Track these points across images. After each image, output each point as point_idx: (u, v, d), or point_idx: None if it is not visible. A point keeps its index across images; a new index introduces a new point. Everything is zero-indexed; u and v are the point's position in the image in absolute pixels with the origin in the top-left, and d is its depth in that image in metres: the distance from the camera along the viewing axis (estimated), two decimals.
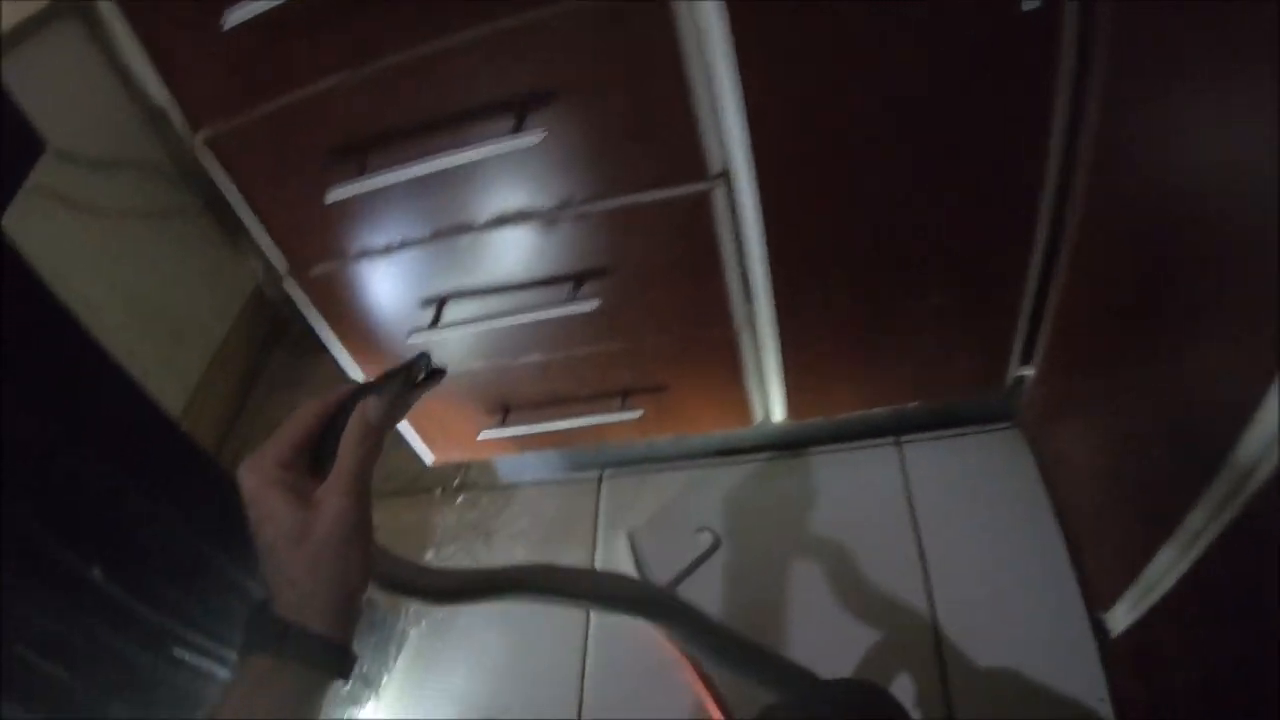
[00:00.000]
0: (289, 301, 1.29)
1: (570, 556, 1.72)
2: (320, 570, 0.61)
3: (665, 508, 1.74)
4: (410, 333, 1.28)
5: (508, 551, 1.81)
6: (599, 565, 1.68)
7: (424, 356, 0.75)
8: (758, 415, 1.45)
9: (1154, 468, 0.97)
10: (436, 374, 0.76)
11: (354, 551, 0.63)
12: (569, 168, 1.10)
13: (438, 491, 1.98)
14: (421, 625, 1.77)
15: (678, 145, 1.05)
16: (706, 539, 1.65)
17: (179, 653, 1.20)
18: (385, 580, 0.80)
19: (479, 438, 1.50)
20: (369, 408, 0.67)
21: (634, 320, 1.29)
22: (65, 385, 1.10)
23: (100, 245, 2.00)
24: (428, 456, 1.69)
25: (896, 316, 1.24)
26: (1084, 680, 1.23)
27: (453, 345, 1.35)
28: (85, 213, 1.99)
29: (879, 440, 1.64)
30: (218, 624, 1.27)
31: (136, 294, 2.08)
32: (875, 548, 1.50)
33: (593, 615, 1.59)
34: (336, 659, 0.62)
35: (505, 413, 1.50)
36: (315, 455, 0.66)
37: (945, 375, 1.36)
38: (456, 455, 1.68)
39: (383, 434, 0.67)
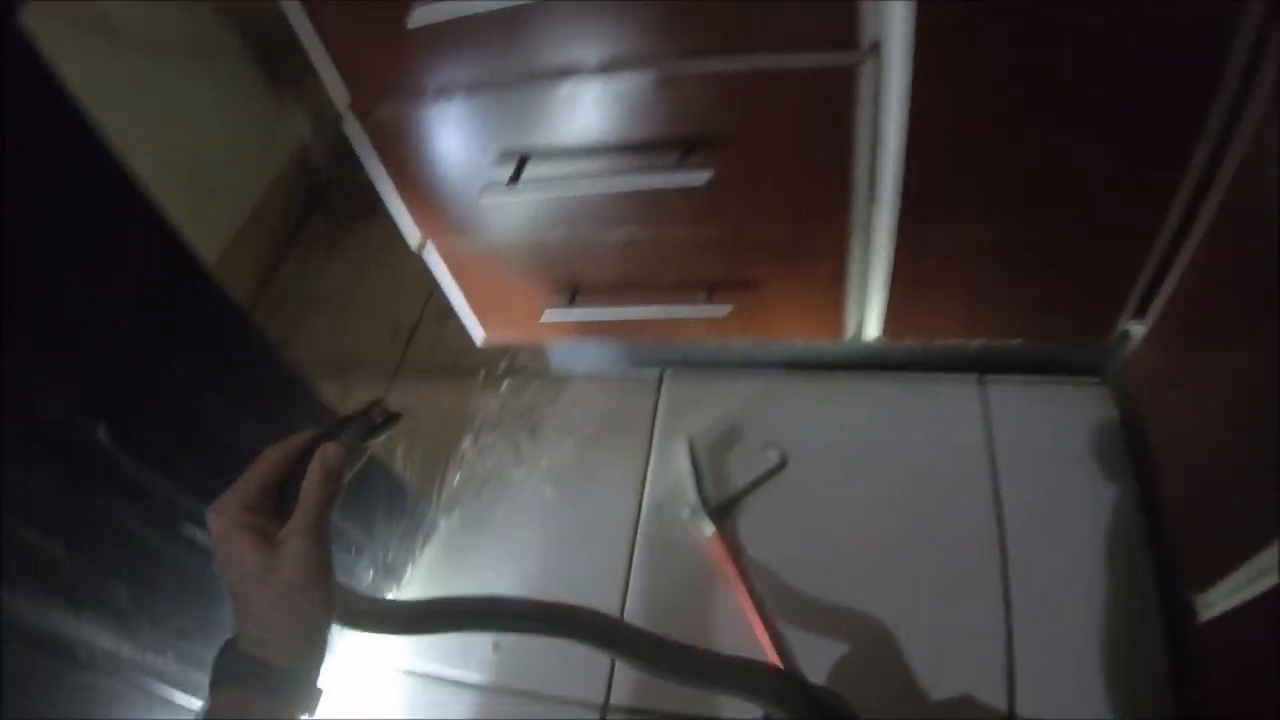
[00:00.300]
0: (333, 163, 1.12)
1: (624, 457, 1.62)
2: (283, 608, 0.66)
3: (729, 417, 1.62)
4: (483, 190, 1.13)
5: (555, 446, 1.69)
6: (652, 469, 1.60)
7: (379, 404, 0.81)
8: (849, 329, 1.32)
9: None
10: (392, 419, 0.82)
11: (316, 590, 0.68)
12: (701, 11, 0.94)
13: (481, 375, 1.84)
14: (454, 515, 1.66)
15: (831, 3, 0.90)
16: (773, 456, 1.53)
17: (191, 532, 1.09)
18: (349, 616, 0.84)
19: (542, 318, 1.36)
20: (328, 454, 0.73)
21: (741, 203, 1.15)
22: (76, 202, 0.95)
23: (136, 79, 1.85)
24: (478, 335, 1.55)
25: (1021, 246, 1.13)
26: (1145, 657, 1.21)
27: (527, 210, 1.23)
28: (124, 42, 1.84)
29: (962, 376, 1.54)
30: None
31: (171, 139, 1.93)
32: (949, 487, 1.41)
33: (642, 520, 1.55)
34: (300, 692, 0.67)
35: (574, 293, 1.36)
36: (279, 498, 0.71)
37: (1054, 316, 1.26)
38: (511, 336, 1.56)
39: (342, 478, 0.73)
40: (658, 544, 1.49)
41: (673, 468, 1.57)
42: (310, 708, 0.69)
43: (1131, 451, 1.36)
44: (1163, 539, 1.25)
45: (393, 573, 1.53)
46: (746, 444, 1.57)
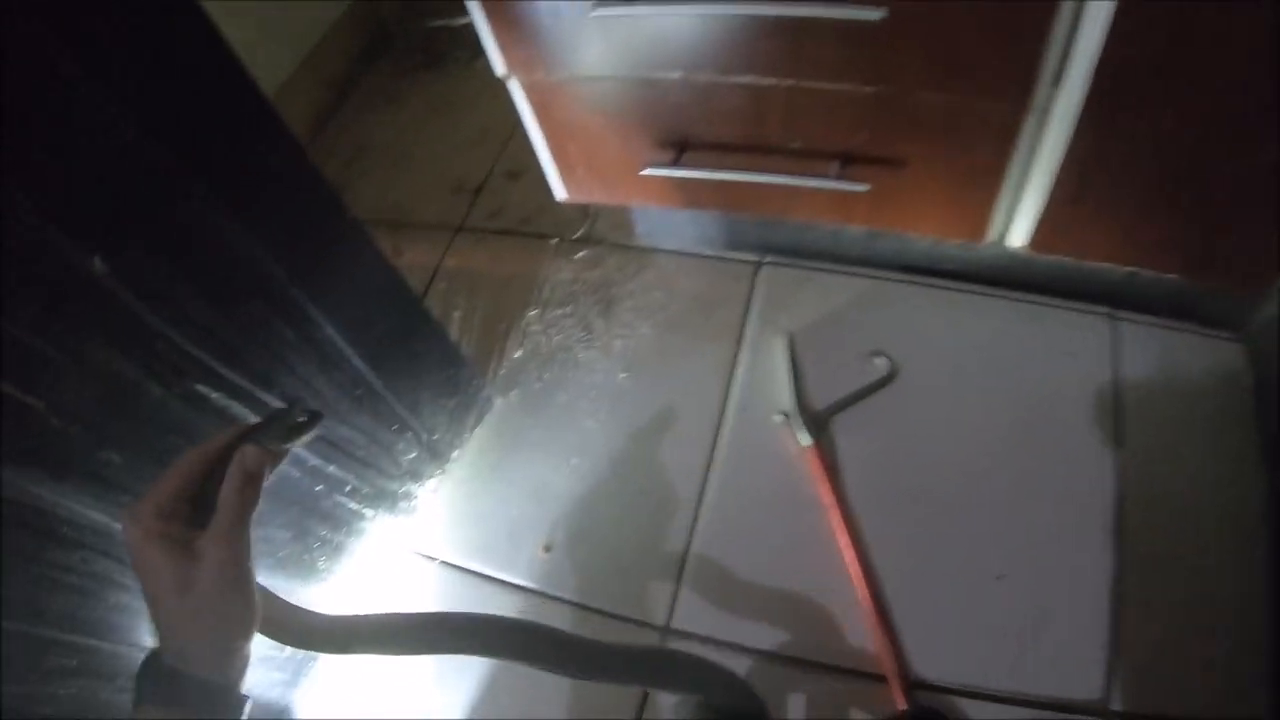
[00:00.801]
0: (402, 6, 0.91)
1: (711, 346, 1.46)
2: (204, 620, 0.63)
3: (833, 318, 1.45)
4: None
5: (631, 327, 1.52)
6: (743, 364, 1.44)
7: (299, 401, 0.79)
8: (993, 232, 1.17)
9: None
10: (314, 418, 0.77)
11: (237, 600, 0.64)
12: None
13: (554, 241, 1.65)
14: (511, 395, 1.49)
15: None
16: (881, 366, 1.38)
17: (203, 390, 0.92)
18: (271, 626, 0.74)
19: (641, 173, 1.19)
20: (246, 457, 0.67)
21: (908, 59, 0.97)
22: None
23: None
24: (560, 191, 1.36)
25: (1208, 172, 0.99)
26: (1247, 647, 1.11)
27: (643, 38, 1.05)
28: None
29: (1093, 308, 1.40)
30: (262, 360, 0.99)
31: None
32: (1067, 423, 1.30)
33: (726, 420, 1.40)
34: (223, 704, 0.63)
35: (681, 150, 1.18)
36: (197, 504, 0.65)
37: (1218, 258, 1.13)
38: (596, 195, 1.36)
39: (260, 483, 0.68)
40: (742, 448, 1.34)
41: (766, 366, 1.41)
42: (239, 715, 0.65)
43: (1263, 416, 1.26)
44: None
45: (438, 455, 1.37)
46: (850, 350, 1.40)
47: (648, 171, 1.20)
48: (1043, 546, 1.19)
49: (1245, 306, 1.31)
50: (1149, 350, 1.35)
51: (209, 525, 0.65)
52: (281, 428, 0.75)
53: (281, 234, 0.97)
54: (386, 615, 0.83)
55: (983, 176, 1.10)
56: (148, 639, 0.95)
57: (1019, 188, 1.10)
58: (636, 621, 1.23)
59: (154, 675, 0.63)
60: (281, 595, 0.73)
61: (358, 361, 1.11)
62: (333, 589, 1.25)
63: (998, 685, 1.08)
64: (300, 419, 0.77)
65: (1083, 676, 1.10)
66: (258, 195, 0.95)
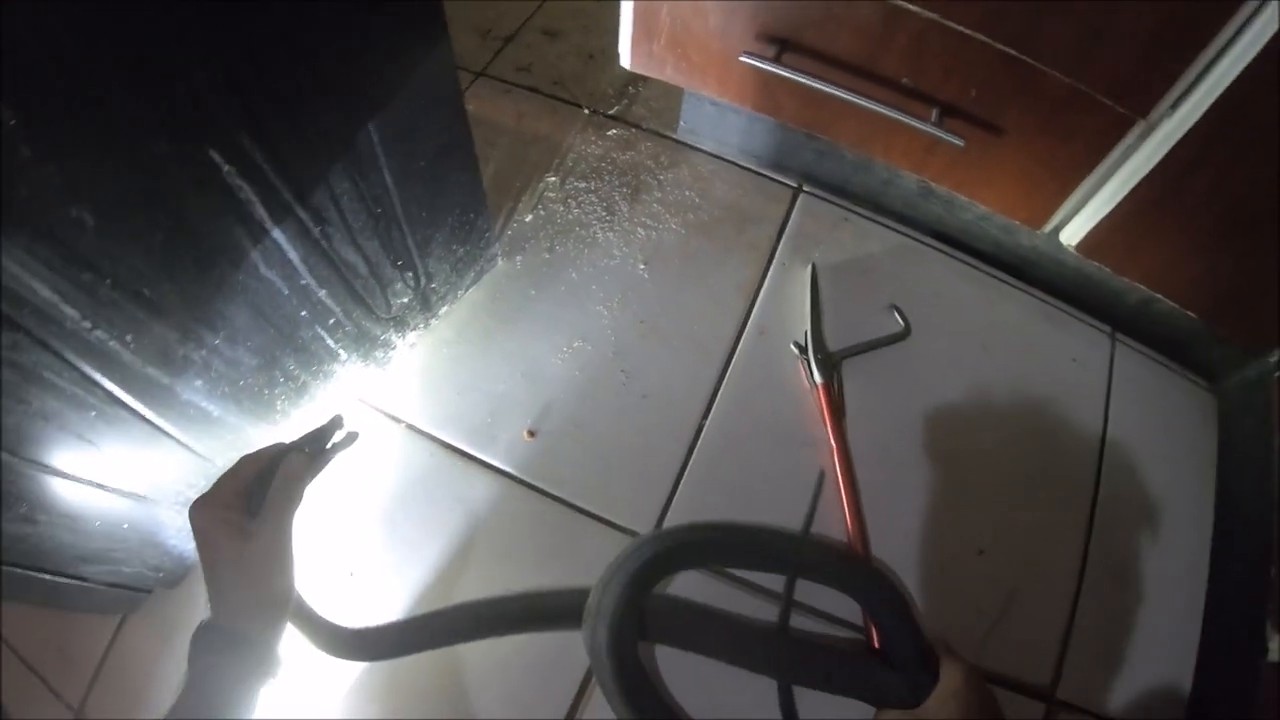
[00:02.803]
0: None
1: (738, 259, 1.41)
2: (253, 589, 0.81)
3: (860, 263, 1.42)
4: None
5: (658, 219, 1.44)
6: (767, 286, 1.39)
7: (338, 419, 0.98)
8: (1050, 224, 1.17)
9: None
10: (350, 438, 0.99)
11: (279, 574, 0.83)
12: None
13: (586, 111, 1.52)
14: (516, 260, 1.41)
15: None
16: (898, 322, 1.36)
17: (216, 157, 0.79)
18: (303, 623, 0.99)
19: (738, 58, 1.11)
20: (292, 464, 0.88)
21: (1058, 35, 0.94)
22: None
23: None
24: (626, 57, 1.27)
25: (1271, 227, 1.00)
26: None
27: None
28: None
29: (1099, 324, 1.44)
30: (290, 142, 0.86)
31: None
32: (1058, 423, 1.32)
33: (744, 337, 1.34)
34: (265, 657, 0.80)
35: (782, 48, 1.12)
36: (251, 499, 0.85)
37: (1246, 309, 1.15)
38: (667, 71, 1.27)
39: (301, 484, 0.88)
40: (754, 371, 1.30)
41: (790, 294, 1.37)
42: (273, 672, 0.80)
43: (1221, 467, 1.34)
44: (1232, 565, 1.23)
45: (428, 306, 1.28)
46: (871, 299, 1.38)
47: (744, 59, 1.12)
48: (1022, 530, 1.21)
49: (1229, 363, 1.37)
50: (1138, 376, 1.40)
51: (259, 515, 0.84)
52: (322, 441, 0.96)
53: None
54: (407, 621, 1.05)
55: (1067, 168, 1.08)
56: (61, 463, 0.89)
57: (1093, 189, 1.09)
58: (619, 528, 1.18)
59: (210, 633, 0.79)
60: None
61: (387, 174, 1.00)
62: (282, 433, 1.15)
63: (960, 653, 1.06)
64: (338, 436, 0.98)
65: (1037, 661, 1.13)
66: None
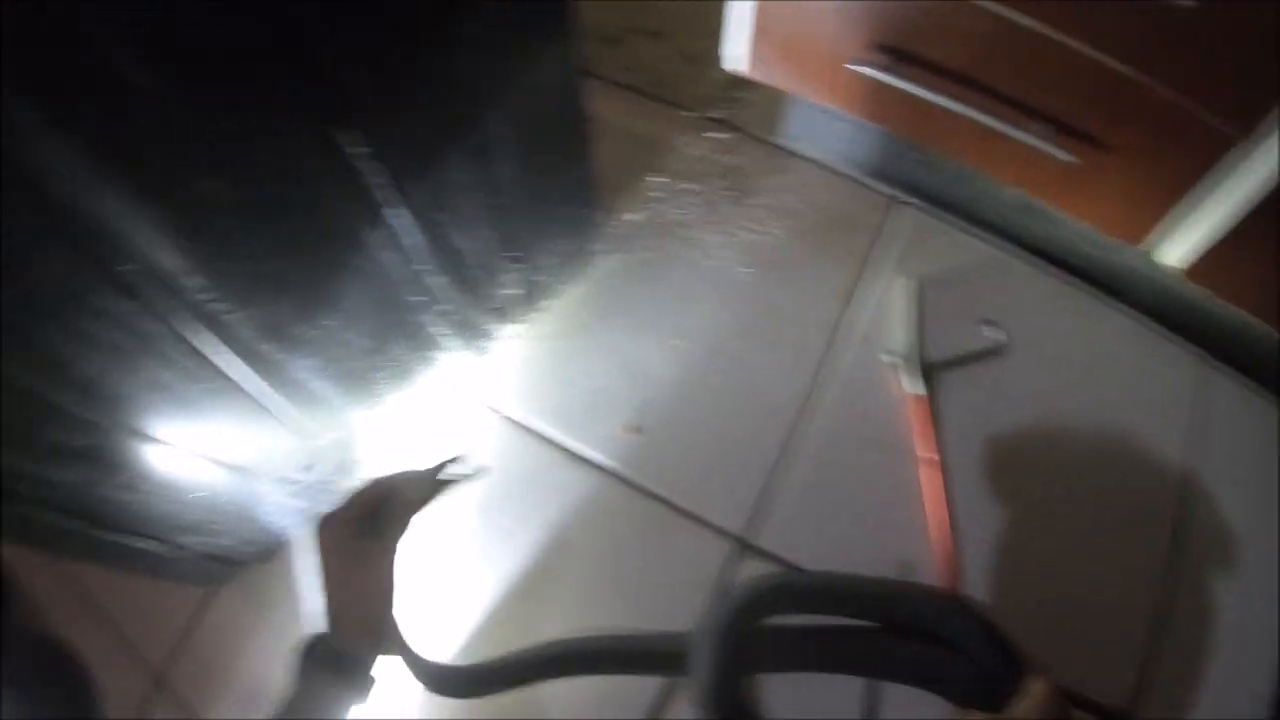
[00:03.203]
0: None
1: (836, 265, 1.39)
2: (365, 611, 0.83)
3: (958, 275, 1.39)
4: None
5: (760, 224, 1.42)
6: (860, 291, 1.37)
7: (460, 457, 0.99)
8: (1149, 242, 1.13)
9: None
10: (479, 471, 1.00)
11: (384, 601, 0.85)
12: None
13: (690, 113, 1.55)
14: (619, 259, 1.40)
15: None
16: (994, 336, 1.33)
17: (343, 138, 0.78)
18: (398, 645, 0.94)
19: (846, 66, 1.11)
20: (408, 491, 0.90)
21: (1179, 55, 0.91)
22: None
23: None
24: (733, 60, 1.26)
25: None
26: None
27: None
28: None
29: (1194, 348, 1.37)
30: (425, 123, 0.86)
31: None
32: (1145, 443, 1.27)
33: (839, 343, 1.32)
34: (362, 678, 0.82)
35: (891, 57, 1.11)
36: (371, 522, 0.86)
37: None
38: (775, 75, 1.26)
39: (412, 515, 0.89)
40: (850, 378, 1.29)
41: (886, 303, 1.35)
42: (367, 691, 0.82)
43: None
44: None
45: (533, 299, 1.28)
46: (967, 312, 1.35)
47: (854, 66, 1.11)
48: (1107, 551, 1.18)
49: None
50: (1230, 401, 1.34)
51: (377, 542, 0.85)
52: (440, 475, 0.96)
53: None
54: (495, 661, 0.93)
55: (1170, 186, 1.05)
56: (168, 433, 0.89)
57: (1196, 209, 1.05)
58: (712, 526, 1.17)
59: (319, 650, 0.80)
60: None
61: (507, 164, 1.00)
62: (381, 416, 1.17)
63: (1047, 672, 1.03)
64: (457, 471, 0.98)
65: (1114, 686, 1.11)
66: None
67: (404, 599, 0.89)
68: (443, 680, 0.98)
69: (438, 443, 1.22)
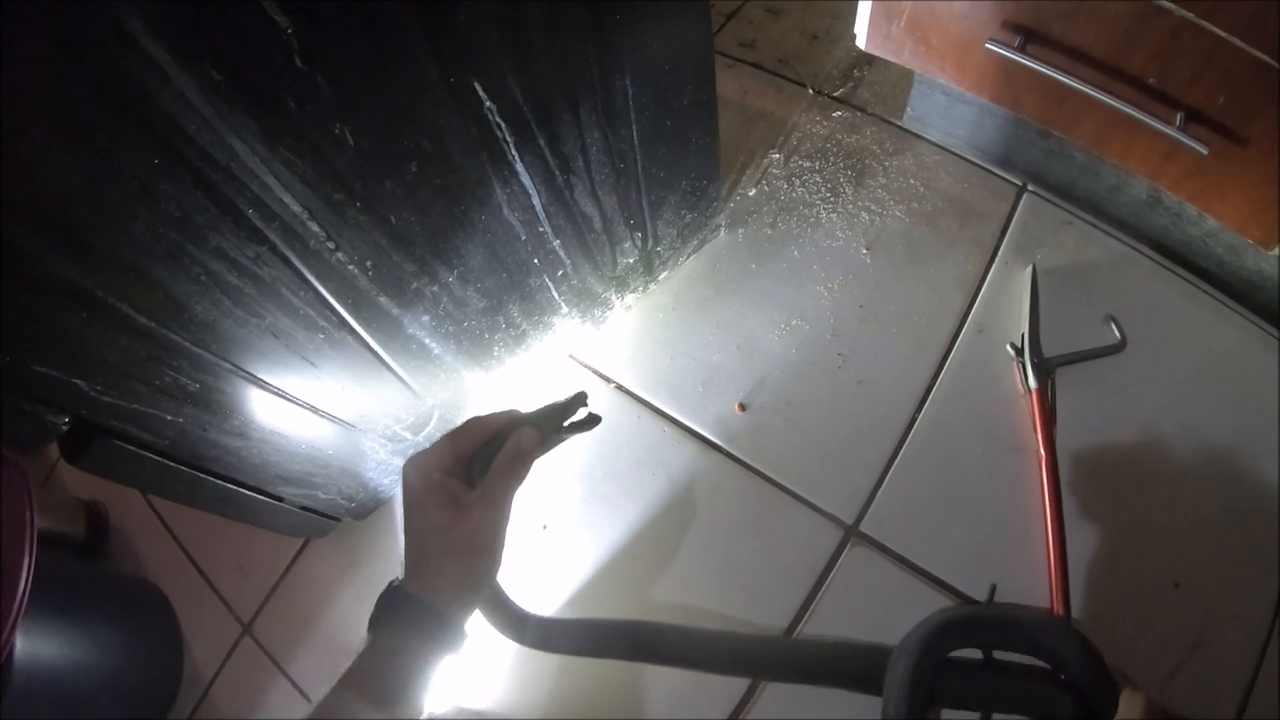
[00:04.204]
0: None
1: (961, 252, 1.33)
2: (454, 563, 0.71)
3: (1081, 270, 1.32)
4: None
5: (882, 205, 1.37)
6: (989, 282, 1.31)
7: (581, 396, 0.83)
8: None
9: None
10: (591, 420, 0.84)
11: (486, 555, 0.73)
12: None
13: (811, 91, 1.49)
14: (738, 234, 1.35)
15: None
16: (1115, 333, 1.26)
17: (480, 90, 0.76)
18: (492, 599, 0.86)
19: (984, 44, 1.05)
20: (524, 437, 0.76)
21: None
22: None
23: None
24: (863, 37, 1.21)
25: None
26: None
27: None
28: None
29: None
30: (552, 84, 0.82)
31: None
32: (1264, 456, 1.19)
33: (963, 333, 1.27)
34: (452, 634, 0.70)
35: (1025, 38, 1.05)
36: (471, 467, 0.74)
37: None
38: (904, 54, 1.21)
39: (531, 460, 0.76)
40: (970, 366, 1.23)
41: (1010, 294, 1.29)
42: (457, 649, 0.72)
43: None
44: None
45: (650, 269, 1.25)
46: (1087, 307, 1.29)
47: (988, 46, 1.05)
48: (1219, 568, 1.11)
49: None
50: None
51: (479, 486, 0.73)
52: (560, 418, 0.82)
53: None
54: (595, 623, 0.89)
55: None
56: (282, 381, 0.88)
57: None
58: (822, 511, 1.14)
59: (398, 599, 0.70)
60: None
61: (636, 128, 0.96)
62: (496, 381, 1.15)
63: (1140, 685, 0.98)
64: (579, 418, 0.83)
65: (1219, 708, 1.04)
66: None
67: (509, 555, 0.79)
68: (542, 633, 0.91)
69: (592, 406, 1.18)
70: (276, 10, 0.56)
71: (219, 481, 0.98)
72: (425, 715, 0.70)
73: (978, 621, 0.97)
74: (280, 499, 1.10)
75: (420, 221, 0.82)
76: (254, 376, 0.85)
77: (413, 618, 0.69)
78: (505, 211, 0.89)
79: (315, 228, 0.74)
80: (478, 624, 0.96)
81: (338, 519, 1.23)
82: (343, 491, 1.16)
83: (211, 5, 0.53)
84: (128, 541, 1.37)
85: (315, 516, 1.19)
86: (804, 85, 1.51)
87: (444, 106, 0.74)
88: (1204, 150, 0.97)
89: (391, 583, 0.71)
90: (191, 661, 1.25)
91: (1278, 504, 1.15)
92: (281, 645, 1.22)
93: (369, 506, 1.22)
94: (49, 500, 1.35)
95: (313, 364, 0.89)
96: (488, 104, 0.77)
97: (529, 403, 0.82)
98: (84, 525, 1.36)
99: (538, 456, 0.78)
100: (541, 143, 0.86)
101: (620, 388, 1.22)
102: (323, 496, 1.14)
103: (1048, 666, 0.89)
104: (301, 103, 0.63)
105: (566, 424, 0.83)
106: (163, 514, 1.37)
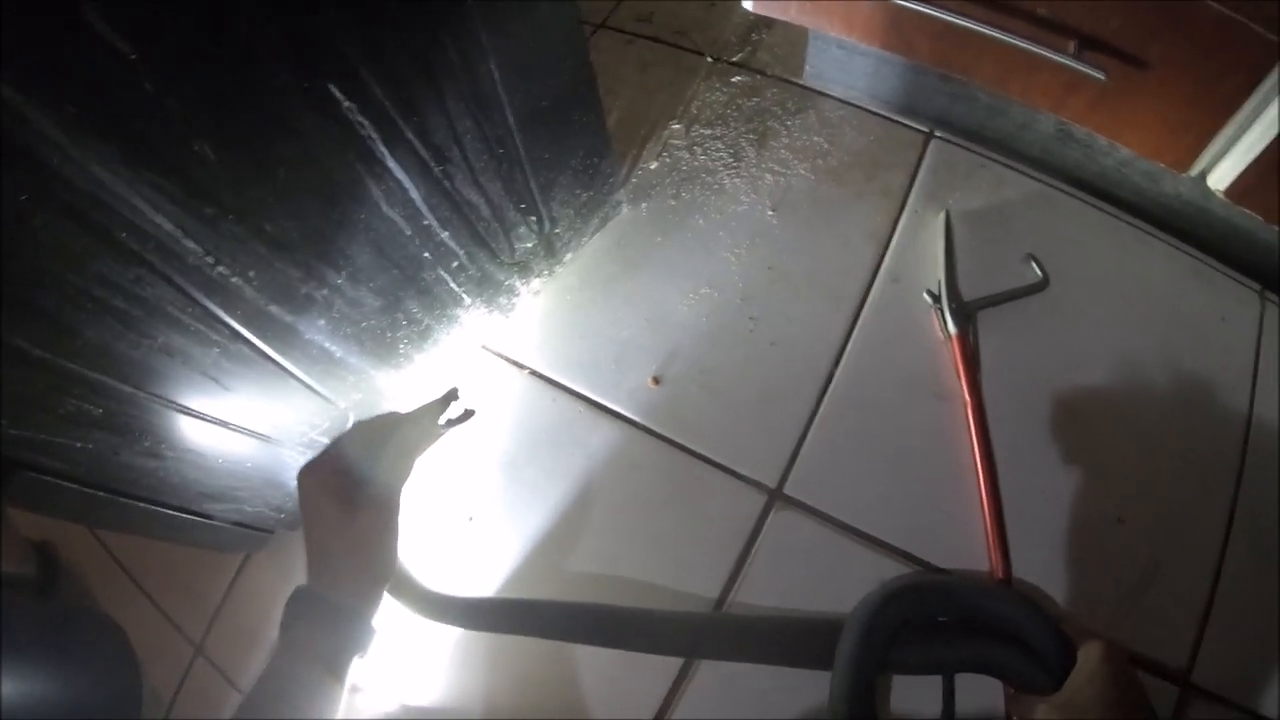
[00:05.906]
0: None
1: (870, 205, 1.32)
2: (354, 558, 0.77)
3: (995, 211, 1.32)
4: None
5: (786, 165, 1.37)
6: (900, 233, 1.30)
7: (453, 392, 0.97)
8: (1196, 167, 1.06)
9: None
10: (466, 414, 0.98)
11: (383, 549, 0.80)
12: None
13: (709, 59, 1.49)
14: (641, 207, 1.36)
15: None
16: (1035, 273, 1.27)
17: (336, 92, 0.75)
18: (404, 593, 0.97)
19: None
20: (405, 437, 0.86)
21: None
22: None
23: None
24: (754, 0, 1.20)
25: None
26: None
27: None
28: None
29: (1247, 280, 1.29)
30: (412, 75, 0.82)
31: None
32: (1201, 388, 1.19)
33: (875, 285, 1.26)
34: (359, 629, 0.76)
35: None
36: (361, 467, 0.81)
37: None
38: (792, 12, 1.20)
39: (414, 459, 0.87)
40: (886, 318, 1.23)
41: (923, 242, 1.29)
42: (366, 646, 0.76)
43: None
44: None
45: (552, 252, 1.25)
46: (1006, 249, 1.29)
47: None
48: (1163, 500, 1.10)
49: None
50: None
51: (369, 485, 0.80)
52: (435, 414, 0.93)
53: None
54: (518, 601, 0.96)
55: (1216, 105, 0.98)
56: (187, 399, 0.87)
57: (1243, 128, 0.99)
58: (744, 478, 1.13)
59: (305, 600, 0.75)
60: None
61: (510, 112, 0.96)
62: (406, 379, 1.15)
63: (1091, 628, 0.99)
64: (454, 413, 0.96)
65: (1173, 641, 1.04)
66: None
67: (410, 546, 0.89)
68: (458, 611, 0.99)
69: (476, 398, 1.19)
70: (117, 39, 0.56)
71: (141, 504, 0.99)
72: (344, 713, 0.74)
73: (920, 592, 0.99)
74: (209, 516, 1.10)
75: (298, 227, 0.82)
76: (157, 396, 0.85)
77: (320, 617, 0.74)
78: (384, 208, 0.89)
79: (191, 244, 0.73)
80: (403, 617, 0.99)
81: (271, 530, 1.24)
82: (269, 503, 1.16)
83: (54, 39, 0.53)
84: (80, 575, 1.38)
85: (247, 530, 1.19)
86: (702, 54, 1.52)
87: (301, 112, 0.74)
88: (1101, 76, 0.97)
89: (298, 587, 0.77)
90: (150, 687, 1.25)
91: (1224, 432, 1.16)
92: (232, 661, 1.22)
93: (299, 516, 1.22)
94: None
95: (214, 379, 0.89)
96: (346, 104, 0.77)
97: (412, 401, 0.94)
98: (34, 565, 1.36)
99: (420, 453, 0.89)
100: (410, 136, 0.86)
101: (534, 373, 1.21)
102: (249, 510, 1.15)
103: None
104: (157, 125, 0.64)
105: (443, 420, 0.95)
106: (108, 545, 1.38)
